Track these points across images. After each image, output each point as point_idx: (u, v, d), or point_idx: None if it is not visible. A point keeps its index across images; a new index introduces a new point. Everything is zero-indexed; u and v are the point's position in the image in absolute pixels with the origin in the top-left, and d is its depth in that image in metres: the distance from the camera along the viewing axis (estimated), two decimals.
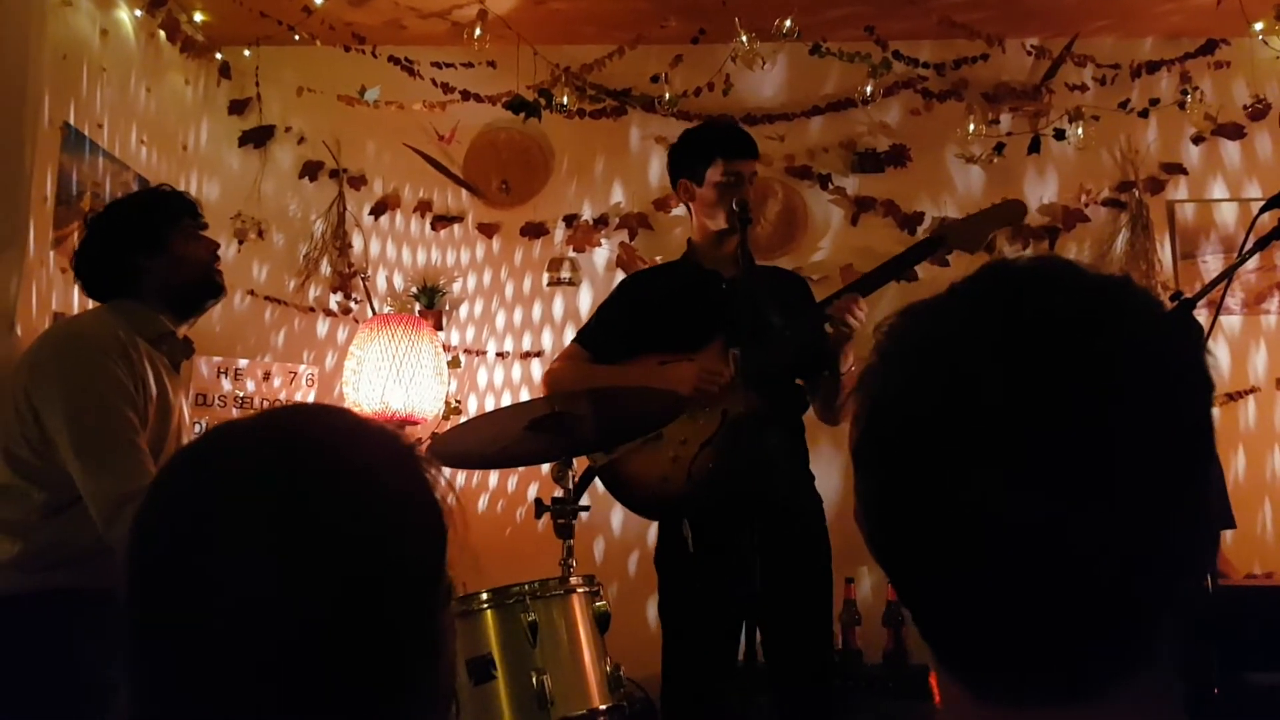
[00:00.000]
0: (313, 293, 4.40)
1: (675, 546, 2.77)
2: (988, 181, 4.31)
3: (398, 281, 4.41)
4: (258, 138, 4.46)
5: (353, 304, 4.36)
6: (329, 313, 4.39)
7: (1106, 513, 0.62)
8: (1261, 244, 2.17)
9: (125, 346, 2.34)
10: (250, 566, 0.77)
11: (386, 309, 4.29)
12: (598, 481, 2.89)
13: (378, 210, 4.43)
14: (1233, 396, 4.10)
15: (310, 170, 4.44)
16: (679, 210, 4.27)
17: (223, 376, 3.92)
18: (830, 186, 4.35)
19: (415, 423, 3.85)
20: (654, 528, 2.94)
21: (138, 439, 2.27)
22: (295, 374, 4.04)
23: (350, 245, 4.39)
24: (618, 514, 4.11)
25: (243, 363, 4.00)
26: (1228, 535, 3.53)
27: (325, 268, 4.39)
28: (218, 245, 2.59)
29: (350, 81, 4.33)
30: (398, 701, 0.79)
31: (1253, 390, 4.13)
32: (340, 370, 4.05)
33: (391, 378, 3.76)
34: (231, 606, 0.76)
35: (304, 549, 0.77)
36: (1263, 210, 2.12)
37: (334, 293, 4.37)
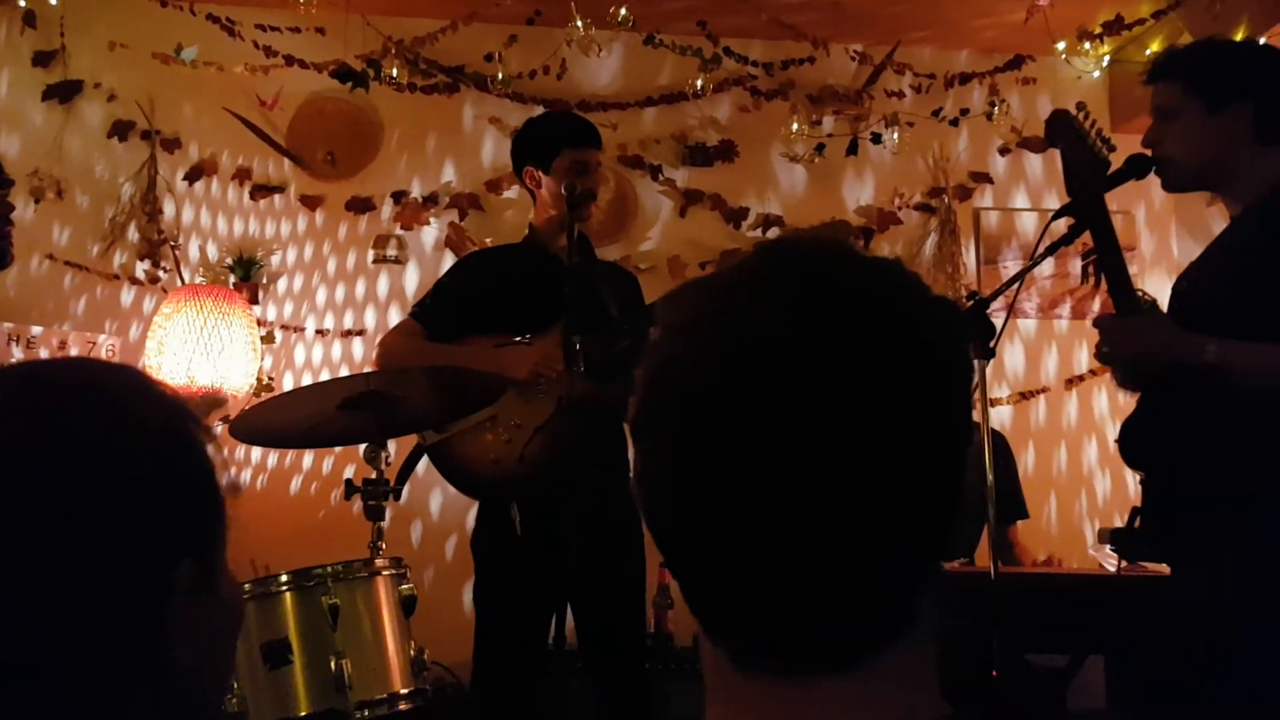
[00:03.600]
0: (118, 259, 4.16)
1: (496, 530, 2.75)
2: (810, 181, 4.44)
3: (212, 251, 4.23)
4: (63, 93, 4.19)
5: (161, 273, 4.15)
6: (135, 281, 4.16)
7: (869, 487, 0.64)
8: (1052, 249, 2.31)
9: None
10: None
11: (199, 279, 4.11)
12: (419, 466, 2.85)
13: (192, 176, 4.23)
14: (1025, 395, 4.37)
15: (120, 130, 4.20)
16: (511, 193, 4.24)
17: (14, 344, 3.67)
18: (661, 178, 4.40)
19: (224, 399, 3.70)
20: (473, 512, 2.92)
21: None
22: (94, 344, 3.82)
23: (161, 211, 4.18)
24: (437, 498, 4.05)
25: (36, 330, 3.76)
26: (1020, 525, 3.75)
27: (133, 233, 4.16)
28: (11, 209, 2.41)
29: (166, 39, 4.13)
30: (119, 686, 0.75)
31: (1044, 390, 4.40)
32: (145, 342, 3.86)
33: (199, 351, 3.60)
34: None
35: (20, 499, 0.72)
36: (1054, 217, 2.24)
37: (141, 260, 4.15)
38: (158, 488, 0.78)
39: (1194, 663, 1.94)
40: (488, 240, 4.01)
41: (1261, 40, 3.55)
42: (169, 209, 4.20)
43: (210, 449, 0.83)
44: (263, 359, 3.99)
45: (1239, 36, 3.69)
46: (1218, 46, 2.30)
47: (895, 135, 4.30)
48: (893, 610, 0.67)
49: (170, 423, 0.81)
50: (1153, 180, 2.19)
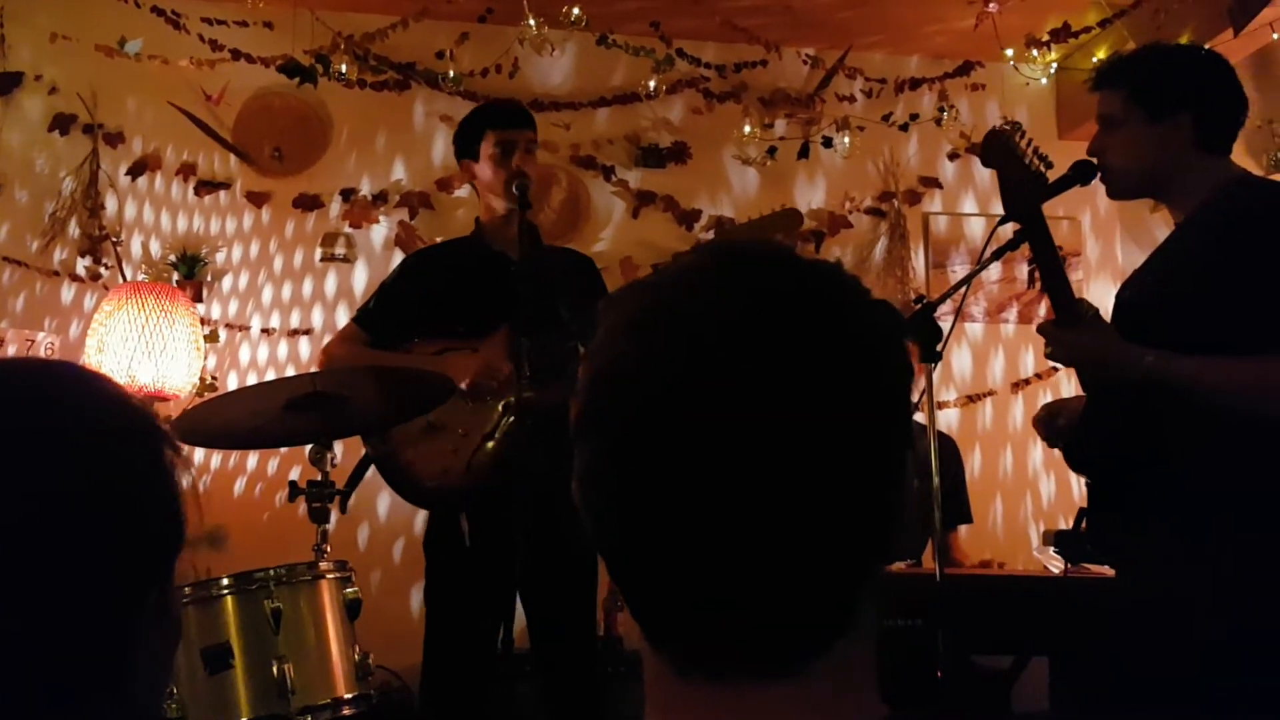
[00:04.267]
0: (58, 255, 4.07)
1: (448, 535, 2.72)
2: (762, 184, 4.46)
3: (155, 248, 4.15)
4: (3, 85, 4.09)
5: (103, 270, 4.07)
6: (75, 278, 4.07)
7: (814, 489, 0.64)
8: (998, 253, 2.33)
9: None
10: None
11: (141, 277, 4.03)
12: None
13: (136, 171, 4.15)
14: (973, 398, 4.41)
15: (61, 123, 4.11)
16: (462, 191, 4.21)
17: None
18: (613, 178, 4.40)
19: (166, 399, 3.64)
20: (422, 514, 2.88)
21: None
22: (33, 342, 3.74)
23: (103, 206, 4.10)
24: (384, 500, 4.01)
25: None
26: (963, 529, 3.78)
27: (74, 229, 4.07)
28: None
29: (110, 31, 4.05)
30: (80, 708, 0.73)
31: (990, 393, 4.45)
32: (85, 340, 3.77)
33: (140, 350, 3.53)
34: None
35: None
36: (1001, 222, 2.26)
37: (82, 257, 4.06)
38: (131, 514, 0.76)
39: (1137, 663, 1.97)
40: (438, 239, 3.98)
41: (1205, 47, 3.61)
42: (111, 204, 4.12)
43: (179, 469, 0.81)
44: (206, 358, 3.92)
45: None
46: (1159, 54, 2.31)
47: (846, 139, 4.33)
48: (834, 613, 0.67)
49: (143, 443, 0.79)
50: (1098, 186, 2.22)
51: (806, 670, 0.66)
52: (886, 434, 0.67)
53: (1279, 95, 4.12)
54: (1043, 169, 2.14)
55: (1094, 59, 4.20)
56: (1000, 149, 2.20)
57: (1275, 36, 3.68)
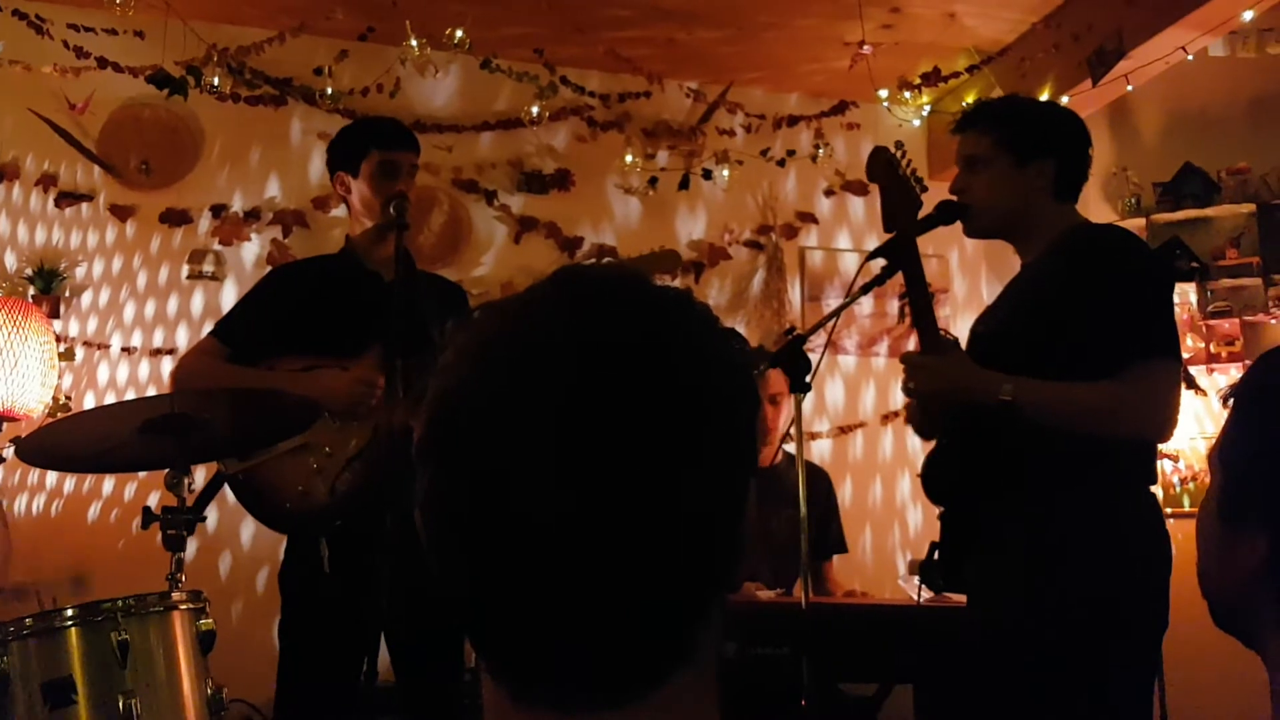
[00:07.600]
0: None
1: (306, 564, 2.62)
2: (644, 213, 4.49)
3: (10, 261, 3.96)
4: None
5: None
6: None
7: (646, 520, 0.63)
8: (867, 287, 2.38)
9: None
10: None
11: None
12: (228, 492, 2.70)
13: None
14: (844, 430, 4.50)
15: None
16: (339, 211, 4.13)
17: None
18: (495, 203, 4.37)
19: (16, 419, 3.46)
20: (285, 543, 2.78)
21: None
22: None
23: None
24: (248, 528, 3.88)
25: None
26: (836, 559, 3.83)
27: None
28: None
29: None
30: None
31: (862, 425, 4.55)
32: None
33: None
34: None
35: None
36: (869, 257, 2.32)
37: None
38: None
39: (987, 688, 2.02)
40: None
41: (1064, 99, 3.79)
42: None
43: None
44: (61, 377, 3.75)
45: (1044, 94, 3.93)
46: (1028, 105, 2.44)
47: (726, 172, 4.41)
48: (670, 644, 0.66)
49: None
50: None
51: (642, 700, 0.65)
52: (726, 463, 0.67)
53: (1134, 144, 4.34)
54: (918, 191, 2.22)
55: (963, 103, 4.36)
56: (883, 166, 2.29)
57: (1130, 88, 3.87)
